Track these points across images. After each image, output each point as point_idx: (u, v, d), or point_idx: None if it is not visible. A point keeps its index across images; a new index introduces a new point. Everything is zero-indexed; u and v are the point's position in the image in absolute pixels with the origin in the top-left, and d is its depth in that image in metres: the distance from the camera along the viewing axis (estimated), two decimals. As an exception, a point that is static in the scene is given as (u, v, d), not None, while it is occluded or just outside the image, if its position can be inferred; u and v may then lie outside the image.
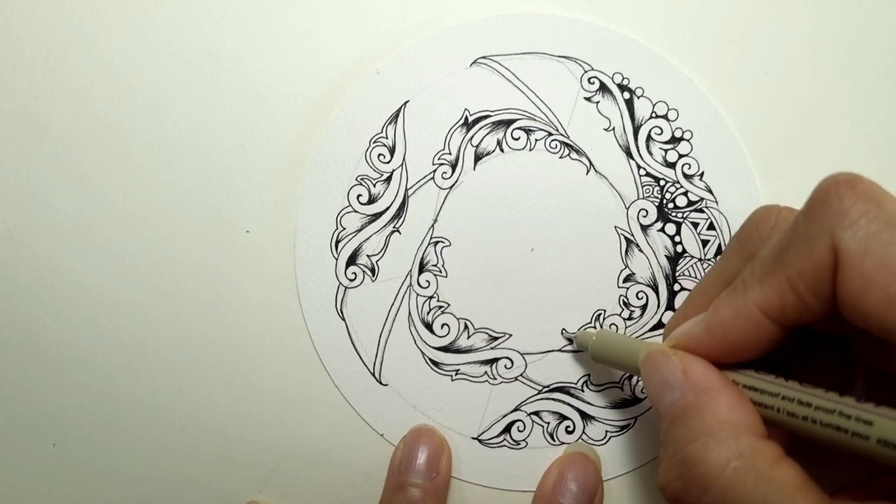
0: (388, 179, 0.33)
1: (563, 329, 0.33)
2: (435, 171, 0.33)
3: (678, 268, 0.33)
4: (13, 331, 0.34)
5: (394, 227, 0.33)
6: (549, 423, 0.33)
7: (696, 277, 0.33)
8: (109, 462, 0.34)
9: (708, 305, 0.24)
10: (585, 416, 0.33)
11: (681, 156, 0.33)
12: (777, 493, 0.19)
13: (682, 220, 0.33)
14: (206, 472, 0.34)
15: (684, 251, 0.33)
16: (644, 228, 0.33)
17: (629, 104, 0.33)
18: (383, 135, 0.34)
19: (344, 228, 0.33)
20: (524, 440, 0.33)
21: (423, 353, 0.33)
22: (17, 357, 0.34)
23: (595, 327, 0.33)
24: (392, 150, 0.33)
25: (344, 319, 0.33)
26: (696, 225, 0.33)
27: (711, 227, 0.33)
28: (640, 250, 0.33)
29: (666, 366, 0.23)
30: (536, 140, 0.33)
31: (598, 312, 0.33)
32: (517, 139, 0.33)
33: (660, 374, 0.23)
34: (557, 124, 0.33)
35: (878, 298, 0.19)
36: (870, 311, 0.19)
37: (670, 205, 0.33)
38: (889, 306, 0.18)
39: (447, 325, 0.33)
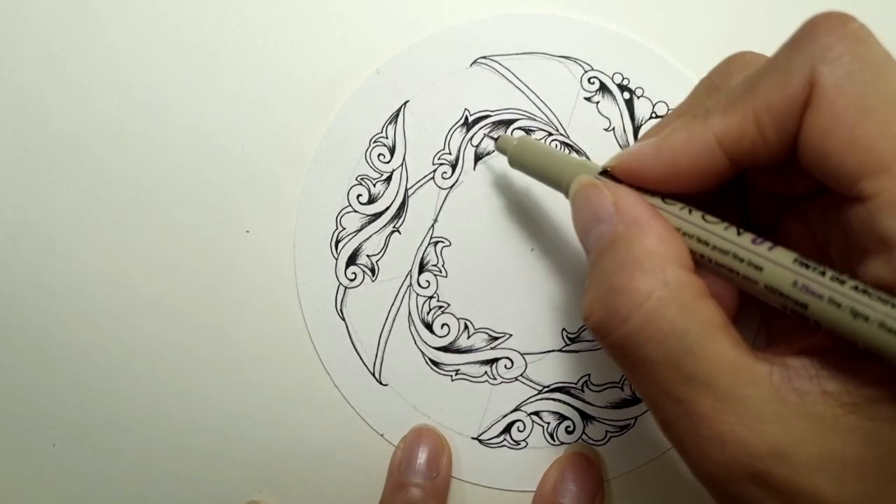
0: (388, 179, 0.33)
1: (486, 135, 0.32)
2: (435, 170, 0.33)
3: (678, 268, 0.33)
4: (13, 331, 0.34)
5: (394, 227, 0.33)
6: (549, 423, 0.33)
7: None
8: (109, 462, 0.34)
9: None
10: (585, 416, 0.33)
11: (681, 156, 0.33)
12: (697, 326, 0.19)
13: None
14: (207, 472, 0.34)
15: (684, 251, 0.33)
16: (644, 228, 0.33)
17: (629, 104, 0.33)
18: (383, 135, 0.34)
19: (344, 228, 0.33)
20: (524, 440, 0.33)
21: (423, 353, 0.33)
22: (17, 357, 0.34)
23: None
24: (392, 150, 0.33)
25: (344, 319, 0.33)
26: (696, 225, 0.33)
27: (711, 227, 0.33)
28: (641, 250, 0.33)
29: (597, 198, 0.22)
30: (536, 140, 0.33)
31: (599, 312, 0.33)
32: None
33: (590, 206, 0.23)
34: (557, 124, 0.33)
35: (841, 139, 0.18)
36: (831, 151, 0.18)
37: (670, 205, 0.33)
38: (851, 149, 0.18)
39: (447, 325, 0.33)
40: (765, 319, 0.24)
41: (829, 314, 0.18)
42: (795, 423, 0.18)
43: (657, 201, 0.22)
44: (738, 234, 0.20)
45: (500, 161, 0.33)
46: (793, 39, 0.20)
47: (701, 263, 0.21)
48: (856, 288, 0.18)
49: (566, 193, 0.25)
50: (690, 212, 0.22)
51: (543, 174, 0.27)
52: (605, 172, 0.24)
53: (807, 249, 0.22)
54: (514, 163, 0.29)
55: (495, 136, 0.32)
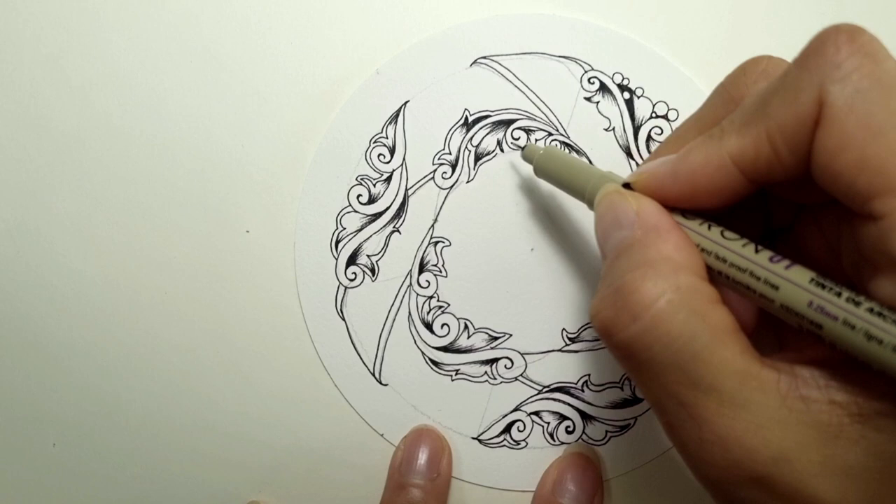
0: (389, 179, 0.33)
1: (512, 143, 0.33)
2: (435, 171, 0.33)
3: (678, 268, 0.33)
4: (13, 331, 0.34)
5: (394, 226, 0.33)
6: (549, 423, 0.33)
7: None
8: (109, 462, 0.34)
9: (680, 149, 0.23)
10: (585, 416, 0.33)
11: (681, 156, 0.33)
12: (706, 331, 0.19)
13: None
14: (207, 472, 0.34)
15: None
16: (644, 228, 0.33)
17: (629, 104, 0.33)
18: (383, 135, 0.34)
19: (344, 228, 0.33)
20: (524, 440, 0.33)
21: (423, 352, 0.33)
22: (17, 357, 0.34)
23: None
24: (392, 150, 0.33)
25: (344, 319, 0.33)
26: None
27: (711, 227, 0.33)
28: (640, 250, 0.33)
29: (621, 205, 0.23)
30: (536, 140, 0.33)
31: (598, 312, 0.33)
32: (517, 139, 0.33)
33: (613, 212, 0.23)
34: (557, 124, 0.33)
35: (852, 159, 0.18)
36: (841, 171, 0.18)
37: (670, 205, 0.33)
38: (861, 169, 0.18)
39: (447, 325, 0.33)
40: (777, 324, 0.24)
41: (843, 335, 0.18)
42: (799, 430, 0.18)
43: (678, 216, 0.22)
44: (756, 251, 0.20)
45: (499, 161, 0.33)
46: (802, 55, 0.20)
47: (718, 280, 0.21)
48: (871, 310, 0.18)
49: (589, 204, 0.26)
50: (710, 227, 0.22)
51: (568, 184, 0.28)
52: (627, 186, 0.24)
53: (820, 254, 0.22)
54: (539, 171, 0.30)
55: (522, 144, 0.32)
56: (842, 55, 0.19)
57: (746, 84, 0.23)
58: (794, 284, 0.19)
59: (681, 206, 0.23)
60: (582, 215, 0.33)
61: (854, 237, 0.19)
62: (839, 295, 0.18)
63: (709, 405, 0.19)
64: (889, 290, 0.18)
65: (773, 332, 0.24)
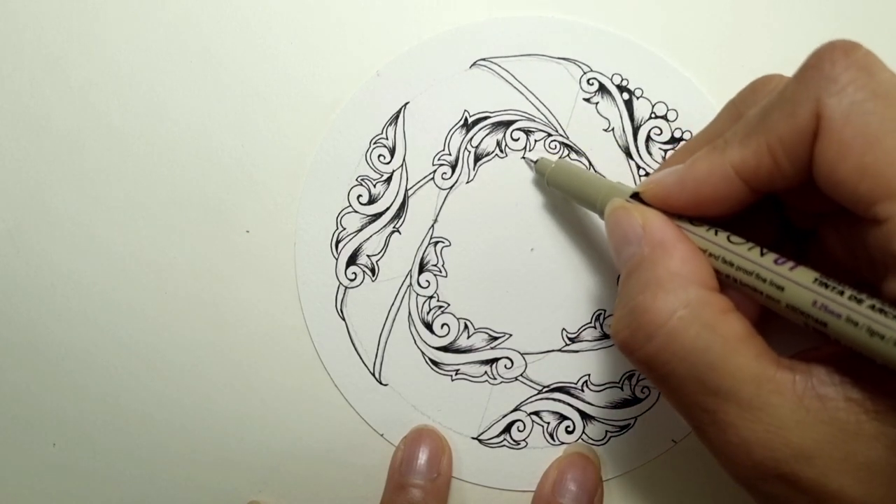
0: (389, 180, 0.34)
1: (525, 158, 0.33)
2: (435, 171, 0.33)
3: (677, 268, 0.33)
4: (13, 331, 0.34)
5: (394, 227, 0.33)
6: (549, 423, 0.33)
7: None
8: (109, 462, 0.34)
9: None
10: (585, 416, 0.33)
11: (680, 157, 0.33)
12: (719, 342, 0.20)
13: (681, 221, 0.33)
14: (207, 473, 0.34)
15: (683, 251, 0.33)
16: (643, 229, 0.33)
17: (628, 105, 0.33)
18: (383, 136, 0.34)
19: (344, 228, 0.33)
20: (524, 440, 0.33)
21: (423, 352, 0.33)
22: (17, 357, 0.34)
23: (596, 322, 0.33)
24: (392, 151, 0.34)
25: (344, 319, 0.33)
26: (695, 225, 0.33)
27: (710, 227, 0.33)
28: (640, 250, 0.33)
29: (627, 221, 0.24)
30: (536, 141, 0.33)
31: (598, 312, 0.33)
32: (517, 140, 0.33)
33: (621, 229, 0.24)
34: (557, 125, 0.33)
35: (851, 167, 0.19)
36: (843, 179, 0.19)
37: (669, 205, 0.33)
38: (862, 176, 0.19)
39: (447, 324, 0.33)
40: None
41: (847, 332, 0.18)
42: (818, 429, 0.19)
43: (685, 224, 0.23)
44: (762, 254, 0.21)
45: (499, 162, 0.33)
46: (800, 71, 0.21)
47: (726, 283, 0.22)
48: (872, 307, 0.18)
49: (601, 214, 0.26)
50: (716, 233, 0.22)
51: (579, 195, 0.29)
52: (636, 195, 0.25)
53: (842, 258, 0.23)
54: (551, 182, 0.31)
55: (535, 158, 0.33)
56: (837, 69, 0.19)
57: (755, 101, 0.24)
58: (799, 285, 0.20)
59: (688, 214, 0.23)
60: (582, 215, 0.33)
61: (863, 240, 0.20)
62: (842, 293, 0.19)
63: (730, 410, 0.20)
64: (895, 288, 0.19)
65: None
